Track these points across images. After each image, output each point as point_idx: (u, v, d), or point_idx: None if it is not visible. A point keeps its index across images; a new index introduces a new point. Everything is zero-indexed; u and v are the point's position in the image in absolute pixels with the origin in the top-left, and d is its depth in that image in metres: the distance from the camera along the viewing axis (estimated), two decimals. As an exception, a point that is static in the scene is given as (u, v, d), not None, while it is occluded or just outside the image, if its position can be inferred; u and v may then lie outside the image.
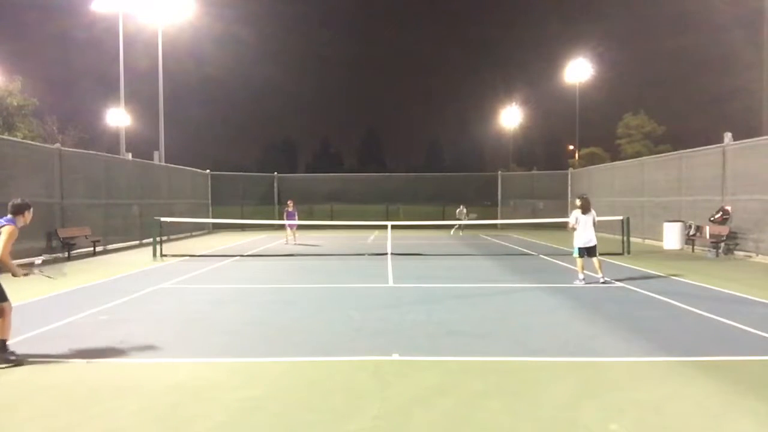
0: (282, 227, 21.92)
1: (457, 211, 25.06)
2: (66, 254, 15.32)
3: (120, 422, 4.06)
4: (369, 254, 16.37)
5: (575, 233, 10.48)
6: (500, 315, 7.86)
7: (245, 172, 38.34)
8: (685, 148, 19.37)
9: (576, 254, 10.49)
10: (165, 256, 15.49)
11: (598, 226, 10.71)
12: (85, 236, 16.36)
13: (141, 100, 62.73)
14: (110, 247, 18.39)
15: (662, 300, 8.83)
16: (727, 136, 16.47)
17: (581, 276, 10.41)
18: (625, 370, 5.29)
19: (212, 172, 31.16)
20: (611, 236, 19.35)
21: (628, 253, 15.69)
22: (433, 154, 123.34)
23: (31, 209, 5.90)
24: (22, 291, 8.99)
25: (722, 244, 15.36)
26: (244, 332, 6.88)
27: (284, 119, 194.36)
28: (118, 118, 33.22)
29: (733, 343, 6.27)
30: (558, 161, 67.47)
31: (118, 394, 4.60)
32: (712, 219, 15.93)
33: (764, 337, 6.45)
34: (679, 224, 17.39)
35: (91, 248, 16.69)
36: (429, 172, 43.08)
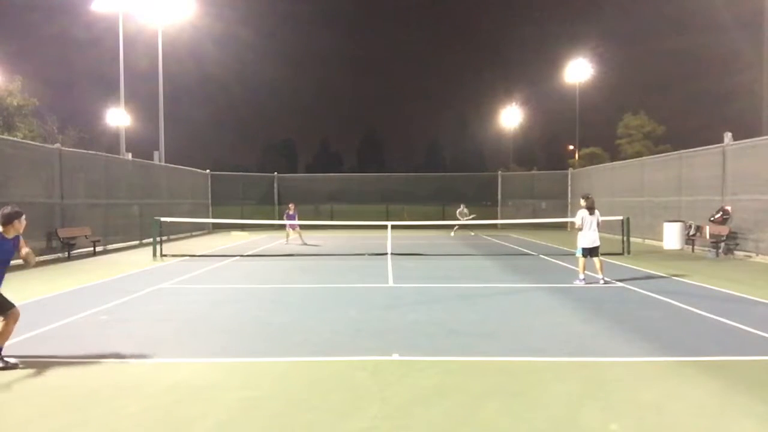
0: (282, 227, 21.92)
1: (458, 211, 24.99)
2: (66, 254, 15.32)
3: (120, 422, 4.06)
4: (369, 254, 16.36)
5: (580, 233, 10.43)
6: (500, 315, 7.86)
7: (245, 172, 38.36)
8: (685, 148, 19.37)
9: (579, 254, 10.48)
10: (165, 256, 15.49)
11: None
12: (85, 236, 16.36)
13: (141, 100, 62.86)
14: (110, 247, 18.39)
15: (662, 300, 8.83)
16: (727, 136, 16.47)
17: (582, 276, 10.40)
18: (625, 370, 5.29)
19: (212, 172, 31.17)
20: (611, 236, 19.35)
21: (629, 253, 15.69)
22: (433, 154, 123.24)
23: (23, 217, 5.50)
24: (22, 291, 8.99)
25: (722, 244, 15.36)
26: (244, 332, 6.88)
27: (284, 119, 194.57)
28: (118, 118, 33.21)
29: (733, 343, 6.27)
30: (558, 161, 67.57)
31: (118, 394, 4.60)
32: (712, 219, 15.92)
33: (764, 337, 6.45)
34: (679, 224, 17.39)
35: (91, 248, 16.69)
36: (429, 172, 43.06)
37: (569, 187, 30.31)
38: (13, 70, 32.76)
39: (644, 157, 26.88)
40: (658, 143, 47.55)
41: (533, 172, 44.27)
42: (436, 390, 4.70)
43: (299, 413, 4.23)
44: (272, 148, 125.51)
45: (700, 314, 7.73)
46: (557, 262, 14.38)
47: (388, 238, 17.04)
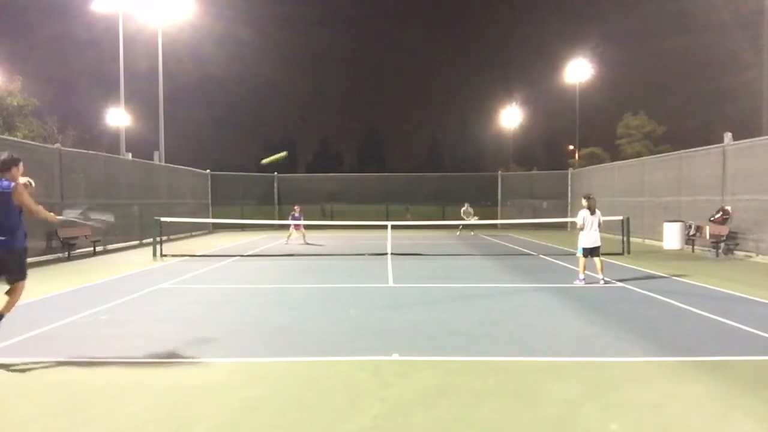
0: (285, 227, 21.90)
1: (462, 210, 24.91)
2: (66, 254, 15.32)
3: (120, 422, 4.06)
4: (369, 254, 16.37)
5: (581, 233, 10.43)
6: (500, 315, 7.86)
7: (245, 172, 38.35)
8: (685, 148, 19.38)
9: (580, 254, 10.48)
10: (165, 256, 15.49)
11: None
12: (85, 236, 16.34)
13: (141, 100, 62.80)
14: (110, 247, 18.39)
15: (662, 300, 8.83)
16: (727, 136, 16.47)
17: (582, 276, 10.40)
18: (625, 370, 5.29)
19: (212, 172, 31.16)
20: (611, 236, 19.35)
21: (628, 253, 15.69)
22: (433, 154, 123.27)
23: (20, 163, 5.48)
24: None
25: (722, 244, 15.36)
26: (244, 332, 6.88)
27: (284, 119, 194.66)
28: (118, 118, 33.21)
29: (733, 343, 6.27)
30: (558, 161, 67.60)
31: (118, 394, 4.60)
32: (712, 219, 15.92)
33: (764, 337, 6.45)
34: (679, 224, 17.40)
35: (91, 248, 16.70)
36: (429, 172, 43.04)
37: (569, 187, 30.30)
38: (13, 70, 32.74)
39: (644, 157, 26.90)
40: (658, 143, 47.59)
41: (533, 172, 44.28)
42: (436, 390, 4.70)
43: (299, 413, 4.24)
44: (272, 148, 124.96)
45: (700, 314, 7.73)
46: (557, 262, 14.38)
47: (388, 238, 17.04)
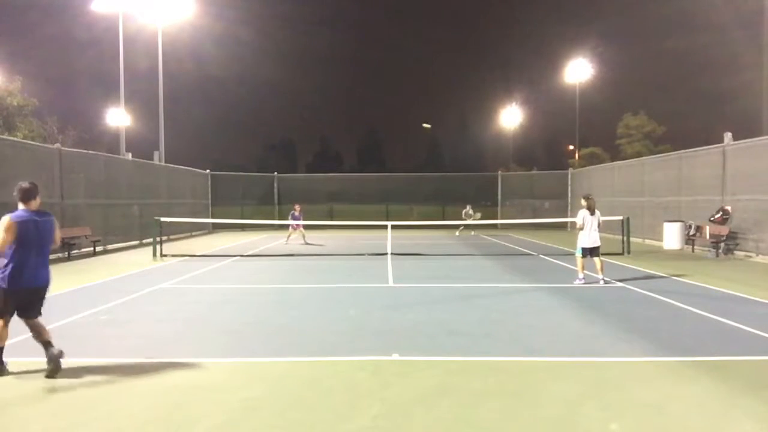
0: (285, 227, 21.92)
1: (464, 211, 24.89)
2: (66, 254, 15.32)
3: (120, 423, 4.06)
4: (369, 254, 16.37)
5: (581, 233, 10.43)
6: (500, 315, 7.86)
7: (245, 172, 38.35)
8: (685, 148, 19.38)
9: (579, 254, 10.49)
10: (165, 256, 15.49)
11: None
12: (85, 236, 16.37)
13: (141, 100, 62.78)
14: (110, 247, 18.40)
15: (662, 300, 8.83)
16: (727, 136, 16.47)
17: (581, 276, 10.40)
18: (625, 370, 5.29)
19: (212, 172, 31.17)
20: (611, 236, 19.35)
21: (628, 253, 15.70)
22: (433, 154, 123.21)
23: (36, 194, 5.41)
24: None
25: (722, 244, 15.36)
26: (244, 332, 6.88)
27: (284, 119, 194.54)
28: (118, 118, 33.19)
29: (733, 343, 6.27)
30: (558, 161, 67.56)
31: (118, 395, 4.61)
32: (712, 219, 15.93)
33: (764, 337, 6.45)
34: (679, 224, 17.40)
35: (91, 248, 16.70)
36: (429, 172, 43.05)
37: (569, 187, 30.30)
38: (13, 70, 32.71)
39: (644, 157, 26.90)
40: (658, 143, 47.55)
41: (533, 172, 44.26)
42: (436, 390, 4.70)
43: (299, 413, 4.24)
44: (272, 148, 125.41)
45: (700, 314, 7.74)
46: (557, 262, 14.38)
47: (389, 239, 17.04)
